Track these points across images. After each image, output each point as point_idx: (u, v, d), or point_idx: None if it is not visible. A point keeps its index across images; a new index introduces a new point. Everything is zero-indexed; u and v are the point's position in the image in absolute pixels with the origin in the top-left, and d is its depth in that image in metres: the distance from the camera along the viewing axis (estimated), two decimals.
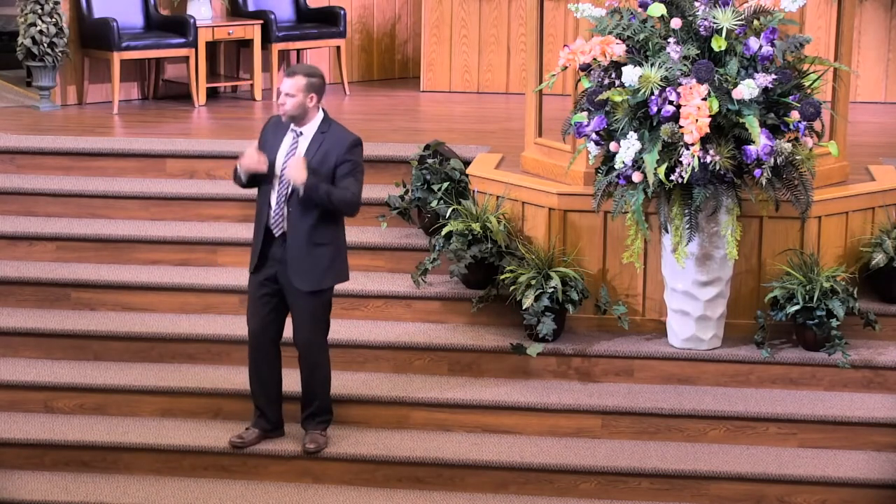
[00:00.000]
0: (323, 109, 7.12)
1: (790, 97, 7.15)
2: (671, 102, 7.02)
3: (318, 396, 7.31)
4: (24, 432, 7.55)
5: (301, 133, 7.07)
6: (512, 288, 7.73)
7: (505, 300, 7.86)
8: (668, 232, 7.42)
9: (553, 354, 7.74)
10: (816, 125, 7.39)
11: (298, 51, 11.36)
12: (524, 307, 7.64)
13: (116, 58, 10.30)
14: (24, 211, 8.86)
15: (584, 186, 7.86)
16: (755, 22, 7.17)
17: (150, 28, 10.71)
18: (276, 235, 7.10)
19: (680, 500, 7.23)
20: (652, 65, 7.10)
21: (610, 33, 7.26)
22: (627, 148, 7.07)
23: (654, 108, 7.05)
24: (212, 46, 11.01)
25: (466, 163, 8.51)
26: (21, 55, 10.30)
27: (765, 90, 7.08)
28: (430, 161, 8.33)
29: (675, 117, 7.01)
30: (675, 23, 7.17)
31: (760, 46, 7.10)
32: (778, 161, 7.10)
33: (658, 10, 7.18)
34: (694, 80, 7.00)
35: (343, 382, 7.64)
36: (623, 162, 7.13)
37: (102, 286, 8.29)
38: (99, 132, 9.59)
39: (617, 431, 7.50)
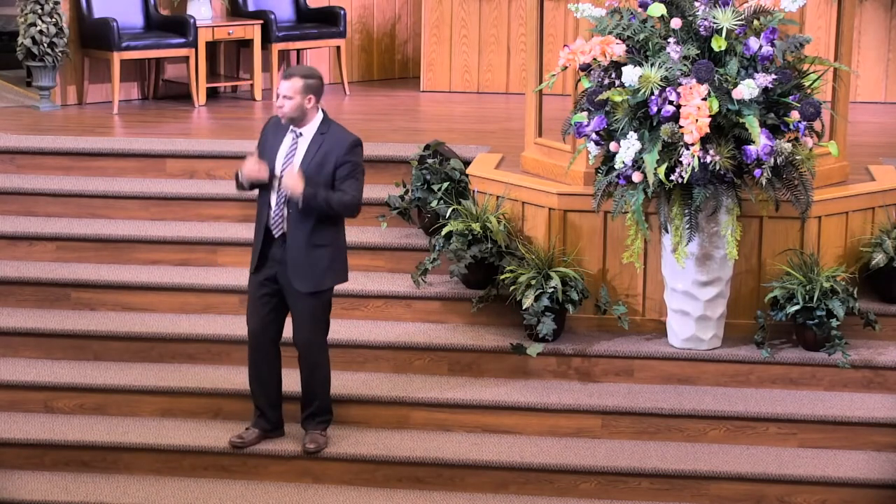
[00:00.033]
0: (322, 110, 7.11)
1: (790, 97, 7.14)
2: (671, 102, 7.02)
3: (318, 396, 7.31)
4: (24, 432, 7.54)
5: (301, 134, 7.06)
6: (512, 288, 7.73)
7: (505, 300, 7.85)
8: (668, 232, 7.42)
9: (553, 354, 7.74)
10: (816, 125, 7.38)
11: (298, 51, 11.35)
12: (524, 307, 7.64)
13: (116, 58, 10.30)
14: (24, 211, 8.85)
15: (584, 186, 7.86)
16: (755, 22, 7.16)
17: (150, 28, 10.70)
18: (276, 236, 7.09)
19: (680, 500, 7.22)
20: (652, 65, 7.10)
21: (610, 33, 7.26)
22: (627, 148, 7.07)
23: (654, 108, 7.05)
24: (212, 46, 11.00)
25: (466, 163, 8.50)
26: (21, 55, 10.29)
27: (765, 90, 7.07)
28: (430, 161, 8.33)
29: (675, 117, 7.01)
30: (675, 23, 7.17)
31: (760, 46, 7.10)
32: (778, 161, 7.10)
33: (658, 10, 7.18)
34: (694, 80, 7.00)
35: (343, 382, 7.64)
36: (623, 162, 7.12)
37: (102, 286, 8.29)
38: (99, 132, 9.58)
39: (617, 431, 7.50)
